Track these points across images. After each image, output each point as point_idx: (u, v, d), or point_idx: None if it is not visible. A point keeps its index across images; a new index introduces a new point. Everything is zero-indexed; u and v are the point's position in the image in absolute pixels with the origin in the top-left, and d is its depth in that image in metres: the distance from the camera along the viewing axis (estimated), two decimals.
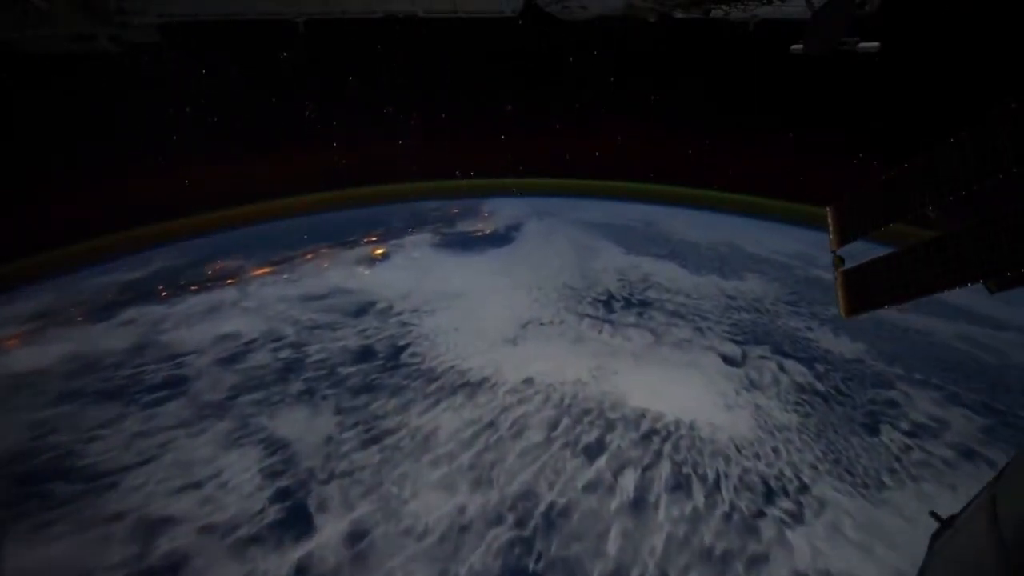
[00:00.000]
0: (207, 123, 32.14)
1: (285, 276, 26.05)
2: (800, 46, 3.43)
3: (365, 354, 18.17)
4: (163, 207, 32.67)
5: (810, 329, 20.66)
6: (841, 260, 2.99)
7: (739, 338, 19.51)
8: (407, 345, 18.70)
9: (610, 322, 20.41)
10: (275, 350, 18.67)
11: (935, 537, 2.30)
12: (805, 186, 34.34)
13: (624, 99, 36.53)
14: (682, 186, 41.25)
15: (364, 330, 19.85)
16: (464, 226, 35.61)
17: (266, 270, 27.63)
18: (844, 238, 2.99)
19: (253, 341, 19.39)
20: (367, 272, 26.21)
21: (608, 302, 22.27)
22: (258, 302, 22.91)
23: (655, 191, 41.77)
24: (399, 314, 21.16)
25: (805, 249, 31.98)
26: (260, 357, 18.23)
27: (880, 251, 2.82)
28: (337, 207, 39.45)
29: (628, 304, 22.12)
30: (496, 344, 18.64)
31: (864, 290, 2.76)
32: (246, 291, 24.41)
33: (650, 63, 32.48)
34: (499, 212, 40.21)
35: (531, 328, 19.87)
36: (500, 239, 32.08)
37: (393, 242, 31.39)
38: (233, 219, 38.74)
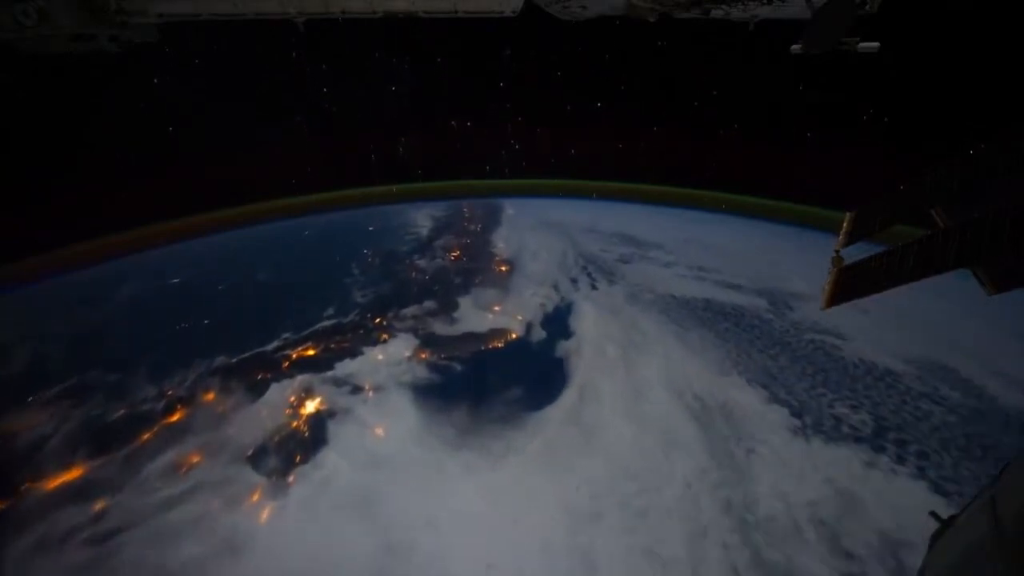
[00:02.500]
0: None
1: (96, 521, 12.27)
2: (800, 46, 3.26)
3: None
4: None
5: None
6: (841, 260, 2.95)
7: None
8: None
9: None
10: None
11: (935, 537, 2.18)
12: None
13: (638, 99, 31.18)
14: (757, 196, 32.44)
15: None
16: (471, 313, 21.21)
17: (76, 472, 13.74)
18: (851, 239, 2.99)
19: None
20: (265, 522, 12.25)
21: None
22: None
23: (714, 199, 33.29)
24: None
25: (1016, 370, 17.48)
26: None
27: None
28: (317, 211, 32.13)
29: None
30: None
31: (851, 283, 2.74)
32: None
33: (658, 62, 28.78)
34: (522, 260, 25.44)
35: None
36: (539, 368, 18.49)
37: (342, 372, 17.24)
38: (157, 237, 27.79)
